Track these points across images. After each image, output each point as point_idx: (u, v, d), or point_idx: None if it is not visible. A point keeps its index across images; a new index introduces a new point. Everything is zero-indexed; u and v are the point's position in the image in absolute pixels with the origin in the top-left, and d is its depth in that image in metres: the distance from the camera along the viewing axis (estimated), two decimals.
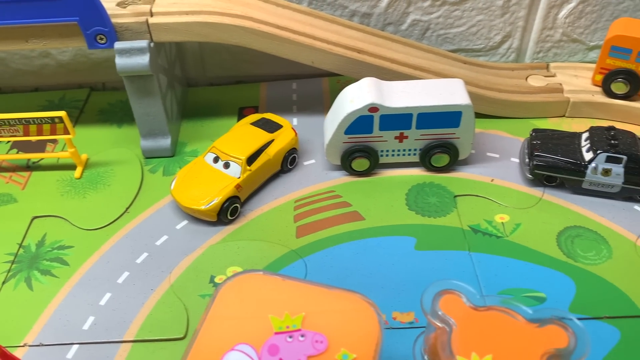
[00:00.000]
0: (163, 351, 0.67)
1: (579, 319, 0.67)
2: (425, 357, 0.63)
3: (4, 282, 0.75)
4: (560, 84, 0.97)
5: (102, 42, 0.83)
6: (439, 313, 0.58)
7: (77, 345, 0.67)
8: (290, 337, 0.53)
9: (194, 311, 0.70)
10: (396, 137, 0.84)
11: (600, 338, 0.66)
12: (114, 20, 0.81)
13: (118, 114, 1.03)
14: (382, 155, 0.86)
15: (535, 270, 0.74)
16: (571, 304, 0.70)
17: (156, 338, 0.68)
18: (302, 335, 0.53)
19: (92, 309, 0.71)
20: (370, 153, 0.85)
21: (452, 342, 0.56)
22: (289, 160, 0.88)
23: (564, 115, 0.97)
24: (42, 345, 0.67)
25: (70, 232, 0.81)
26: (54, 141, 0.96)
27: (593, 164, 0.80)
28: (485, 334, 0.56)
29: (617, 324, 0.68)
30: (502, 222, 0.80)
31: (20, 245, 0.79)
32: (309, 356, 0.52)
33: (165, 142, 0.91)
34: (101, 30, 0.81)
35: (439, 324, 0.58)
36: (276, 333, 0.53)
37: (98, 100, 1.07)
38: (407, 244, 0.78)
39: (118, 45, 0.82)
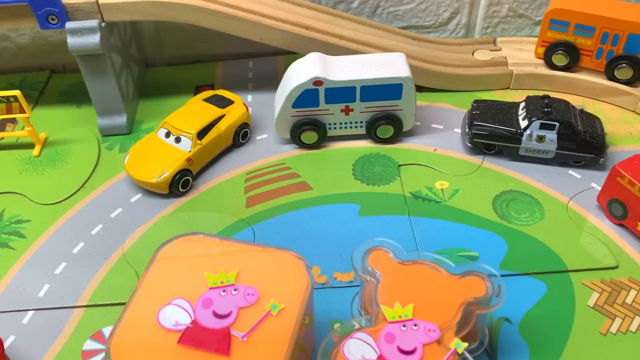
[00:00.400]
0: (114, 314, 0.70)
1: (509, 275, 0.72)
2: (362, 313, 0.66)
3: None
4: (505, 58, 1.01)
5: (54, 22, 0.85)
6: (368, 268, 0.61)
7: (32, 312, 0.71)
8: (224, 291, 0.57)
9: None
10: (342, 110, 0.87)
11: (528, 292, 0.71)
12: (64, 0, 0.84)
13: (77, 94, 1.05)
14: (330, 128, 0.89)
15: (471, 231, 0.78)
16: (502, 261, 0.74)
17: (108, 303, 0.71)
18: (235, 290, 0.56)
19: (47, 278, 0.74)
20: (318, 126, 0.88)
21: (378, 294, 0.59)
22: (241, 135, 0.91)
23: (508, 88, 1.00)
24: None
25: (28, 207, 0.84)
26: (14, 121, 0.98)
27: (528, 131, 0.84)
28: (409, 285, 0.60)
29: (544, 279, 0.72)
30: (442, 189, 0.83)
31: None
32: (241, 307, 0.55)
33: (121, 119, 0.94)
34: (52, 10, 0.84)
35: (368, 278, 0.61)
36: (211, 288, 0.57)
37: (58, 82, 1.10)
38: (351, 210, 0.81)
39: (69, 25, 0.84)
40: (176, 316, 0.55)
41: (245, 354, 0.52)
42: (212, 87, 1.04)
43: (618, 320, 0.68)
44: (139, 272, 0.74)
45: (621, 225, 0.78)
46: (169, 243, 0.61)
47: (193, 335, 0.53)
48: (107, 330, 0.68)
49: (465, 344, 0.55)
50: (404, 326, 0.56)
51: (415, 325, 0.56)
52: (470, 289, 0.59)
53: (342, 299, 0.71)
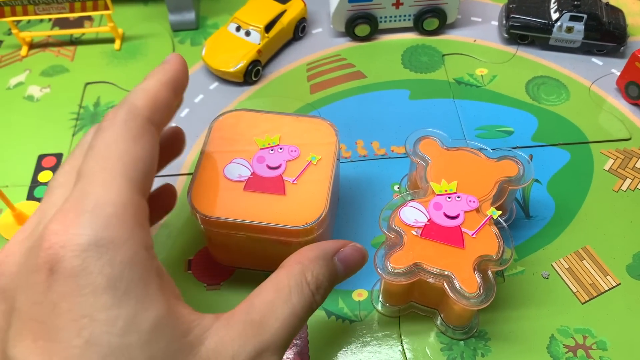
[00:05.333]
0: None
1: (539, 146, 0.86)
2: (408, 191, 0.79)
3: (73, 135, 0.91)
4: None
5: None
6: (419, 153, 0.75)
7: None
8: (272, 150, 0.71)
9: None
10: (393, 4, 0.97)
11: (554, 160, 0.85)
12: None
13: None
14: (381, 21, 1.00)
15: (507, 111, 0.91)
16: (533, 134, 0.88)
17: None
18: (280, 148, 0.71)
19: None
20: (370, 19, 0.98)
21: (427, 173, 0.72)
22: (300, 29, 1.02)
23: None
24: None
25: (120, 94, 0.96)
26: (90, 19, 1.08)
27: (559, 23, 0.94)
28: (453, 167, 0.72)
29: (568, 149, 0.86)
30: (481, 75, 0.96)
31: (80, 106, 0.95)
32: (287, 160, 0.70)
33: (190, 15, 1.04)
34: None
35: (418, 161, 0.74)
36: (261, 149, 0.71)
37: None
38: (402, 95, 0.94)
39: None
40: (238, 170, 0.69)
41: (296, 193, 0.67)
42: None
43: (628, 181, 0.82)
44: None
45: (635, 104, 0.91)
46: (219, 118, 0.74)
47: (254, 183, 0.68)
48: None
49: (499, 212, 0.67)
50: (449, 198, 0.69)
51: (458, 197, 0.69)
52: (505, 170, 0.71)
53: (398, 166, 0.85)
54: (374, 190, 0.83)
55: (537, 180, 0.83)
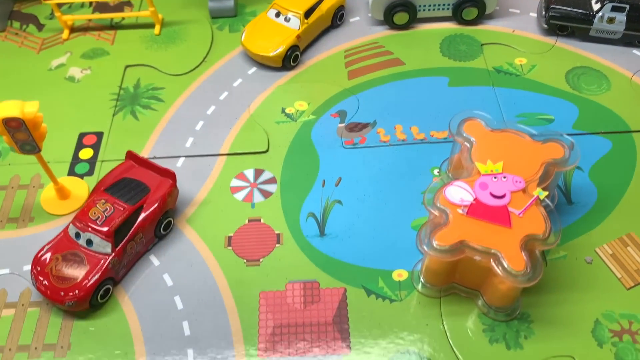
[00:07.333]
0: (250, 160, 0.85)
1: (580, 134, 0.86)
2: (449, 174, 0.78)
3: (114, 115, 0.92)
4: None
5: None
6: (463, 134, 0.74)
7: (183, 158, 0.86)
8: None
9: (272, 133, 0.88)
10: None
11: (596, 148, 0.84)
12: None
13: None
14: (419, 10, 1.00)
15: (547, 99, 0.90)
16: (574, 123, 0.87)
17: (245, 152, 0.86)
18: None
19: (190, 133, 0.89)
20: (409, 8, 0.99)
21: (472, 154, 0.71)
22: (338, 16, 1.02)
23: None
24: (156, 157, 0.86)
25: (160, 77, 0.97)
26: (129, 4, 1.10)
27: (600, 13, 0.94)
28: (499, 148, 0.71)
29: (610, 137, 0.85)
30: (521, 64, 0.95)
31: (120, 87, 0.96)
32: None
33: (229, 3, 1.05)
34: None
35: (463, 142, 0.74)
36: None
37: None
38: (441, 82, 0.94)
39: None
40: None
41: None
42: None
43: None
44: (266, 129, 0.88)
45: None
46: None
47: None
48: (248, 172, 0.84)
49: (546, 192, 0.67)
50: (494, 178, 0.69)
51: (504, 177, 0.69)
52: (551, 152, 0.70)
53: (438, 151, 0.84)
54: (413, 174, 0.82)
55: (579, 168, 0.82)
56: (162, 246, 0.77)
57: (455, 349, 0.67)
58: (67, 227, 0.74)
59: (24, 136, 0.70)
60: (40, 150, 0.74)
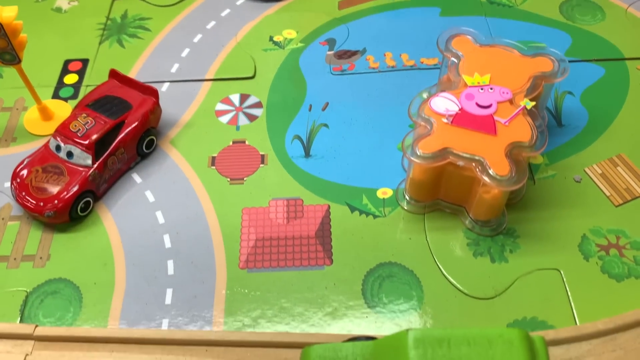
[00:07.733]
0: (236, 85, 0.84)
1: (573, 61, 0.84)
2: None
3: (100, 43, 0.91)
4: None
5: None
6: (452, 49, 0.73)
7: (168, 83, 0.85)
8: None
9: (259, 60, 0.87)
10: None
11: (588, 74, 0.83)
12: None
13: None
14: None
15: (539, 29, 0.89)
16: (567, 50, 0.85)
17: (230, 77, 0.85)
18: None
19: (176, 59, 0.88)
20: None
21: (460, 68, 0.70)
22: None
23: None
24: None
25: (147, 8, 0.96)
26: None
27: None
28: (487, 62, 0.70)
29: (603, 65, 0.84)
30: None
31: (108, 18, 0.94)
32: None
33: None
34: None
35: (450, 57, 0.72)
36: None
37: None
38: (433, 12, 0.92)
39: None
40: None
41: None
42: None
43: None
44: (254, 56, 0.87)
45: None
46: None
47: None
48: (233, 97, 0.83)
49: (533, 102, 0.66)
50: (481, 89, 0.68)
51: (491, 88, 0.67)
52: (540, 65, 0.69)
53: (427, 77, 0.83)
54: (402, 99, 0.81)
55: (569, 92, 0.80)
56: (145, 165, 0.76)
57: (437, 261, 0.66)
58: (48, 141, 0.73)
59: (3, 43, 0.69)
60: (20, 61, 0.72)
